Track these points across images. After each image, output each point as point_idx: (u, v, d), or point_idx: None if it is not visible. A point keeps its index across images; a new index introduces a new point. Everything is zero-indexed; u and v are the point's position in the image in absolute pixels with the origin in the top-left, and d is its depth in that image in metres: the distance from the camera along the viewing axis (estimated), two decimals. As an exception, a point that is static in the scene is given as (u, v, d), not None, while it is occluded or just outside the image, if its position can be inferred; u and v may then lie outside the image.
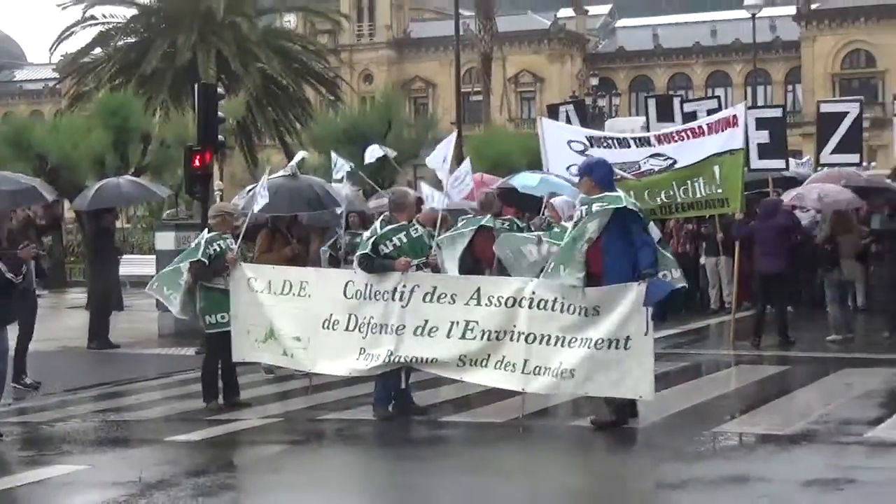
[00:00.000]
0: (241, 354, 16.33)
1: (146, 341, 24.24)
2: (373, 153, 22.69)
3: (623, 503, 11.50)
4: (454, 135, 19.67)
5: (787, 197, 23.76)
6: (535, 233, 16.00)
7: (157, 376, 19.30)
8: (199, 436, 14.70)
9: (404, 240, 15.12)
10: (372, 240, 15.10)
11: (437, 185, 17.76)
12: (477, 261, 18.71)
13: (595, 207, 13.98)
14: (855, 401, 16.19)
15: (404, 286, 14.88)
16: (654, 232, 17.01)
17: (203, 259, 16.10)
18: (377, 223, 15.45)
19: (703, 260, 27.85)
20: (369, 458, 14.04)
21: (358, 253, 15.28)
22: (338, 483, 12.62)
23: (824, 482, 11.42)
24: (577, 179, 19.62)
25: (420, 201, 17.65)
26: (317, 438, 14.78)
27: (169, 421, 15.83)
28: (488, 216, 19.13)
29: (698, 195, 20.67)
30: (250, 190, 22.31)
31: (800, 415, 15.32)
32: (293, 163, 21.30)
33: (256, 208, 17.58)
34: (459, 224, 19.39)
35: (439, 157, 17.21)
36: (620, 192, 14.69)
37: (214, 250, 16.17)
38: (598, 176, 14.55)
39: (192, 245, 16.81)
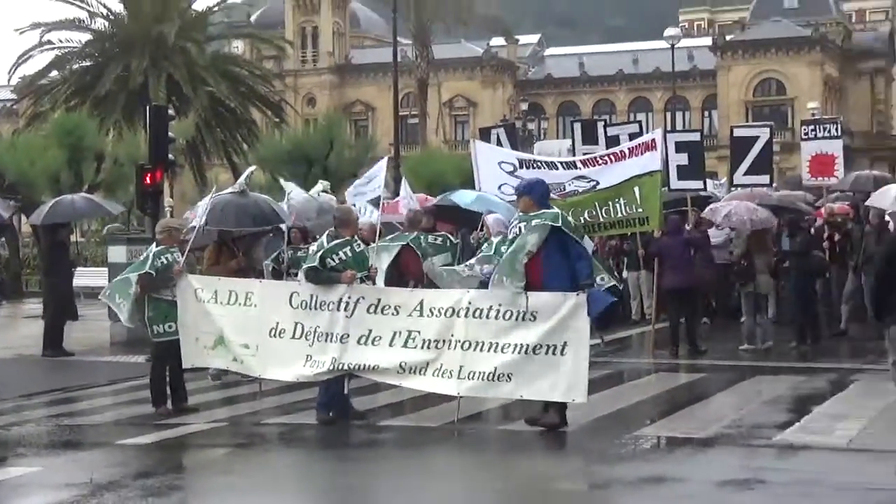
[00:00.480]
0: (191, 360, 16.39)
1: (99, 349, 24.09)
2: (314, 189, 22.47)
3: (554, 500, 11.49)
4: (386, 158, 19.88)
5: (705, 212, 23.94)
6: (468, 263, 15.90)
7: (109, 382, 19.20)
8: (148, 439, 14.63)
9: (349, 254, 15.16)
10: (319, 253, 15.12)
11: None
12: (402, 274, 18.72)
13: (534, 223, 14.09)
14: (765, 406, 16.33)
15: (349, 297, 14.97)
16: (588, 244, 17.24)
17: (150, 271, 16.11)
18: (324, 238, 15.46)
19: (625, 274, 27.94)
20: (311, 460, 14.03)
21: (305, 265, 15.32)
22: (282, 484, 12.58)
23: (737, 482, 11.49)
24: (507, 198, 19.85)
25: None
26: (261, 442, 14.75)
27: (119, 425, 15.76)
28: (414, 234, 19.11)
29: (619, 214, 20.87)
30: (199, 206, 22.38)
31: (714, 419, 15.37)
32: (242, 179, 21.21)
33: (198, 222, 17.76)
34: (387, 239, 19.38)
35: (374, 181, 17.42)
36: (557, 210, 14.86)
37: (162, 263, 16.20)
38: (536, 195, 14.69)
39: (141, 258, 16.85)
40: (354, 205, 18.63)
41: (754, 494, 11.16)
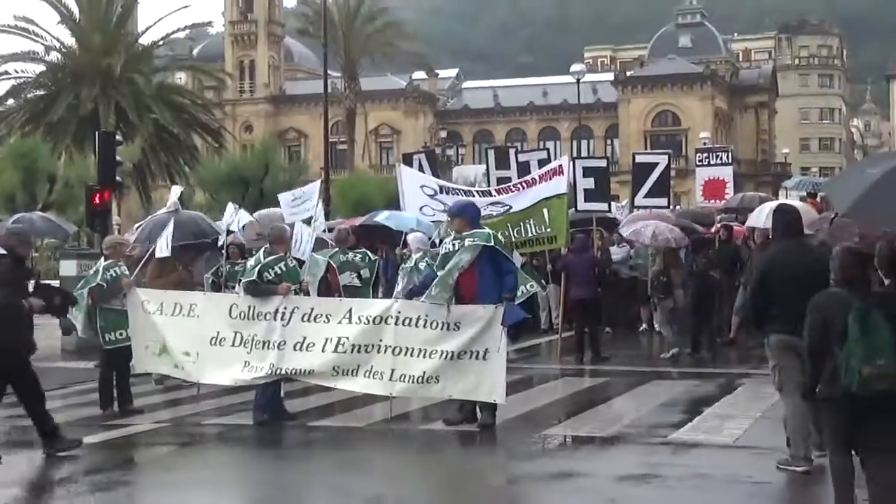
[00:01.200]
0: (142, 366, 16.64)
1: (51, 356, 23.65)
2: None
3: (468, 496, 11.55)
4: (318, 182, 19.96)
5: (626, 232, 23.99)
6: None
7: (60, 387, 18.94)
8: (96, 439, 14.48)
9: (283, 269, 15.29)
10: (257, 268, 15.19)
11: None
12: (329, 287, 18.74)
13: (467, 242, 14.27)
14: (661, 408, 16.40)
15: (285, 308, 15.07)
16: (517, 259, 17.57)
17: (101, 283, 16.13)
18: (260, 253, 15.52)
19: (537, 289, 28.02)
20: (247, 458, 13.97)
21: (245, 279, 15.32)
22: (220, 481, 12.58)
23: (635, 477, 11.58)
24: (428, 218, 19.96)
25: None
26: (201, 441, 14.66)
27: (69, 425, 15.51)
28: (335, 250, 19.09)
29: (530, 234, 20.99)
30: (139, 225, 22.37)
31: (615, 419, 15.45)
32: (174, 199, 21.24)
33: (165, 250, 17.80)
34: (317, 256, 19.39)
35: (306, 202, 17.52)
36: (489, 230, 15.11)
37: (110, 276, 16.25)
38: (468, 216, 14.89)
39: (91, 272, 16.90)
40: (292, 224, 18.62)
41: (651, 487, 11.24)
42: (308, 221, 20.54)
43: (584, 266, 22.52)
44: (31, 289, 13.59)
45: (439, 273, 14.45)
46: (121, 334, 16.17)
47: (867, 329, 8.76)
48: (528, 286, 19.04)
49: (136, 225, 23.29)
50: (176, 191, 22.42)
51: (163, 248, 17.82)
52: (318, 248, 20.55)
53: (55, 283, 19.68)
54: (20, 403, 13.52)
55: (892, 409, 8.85)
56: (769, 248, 13.82)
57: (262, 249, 15.67)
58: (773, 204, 29.34)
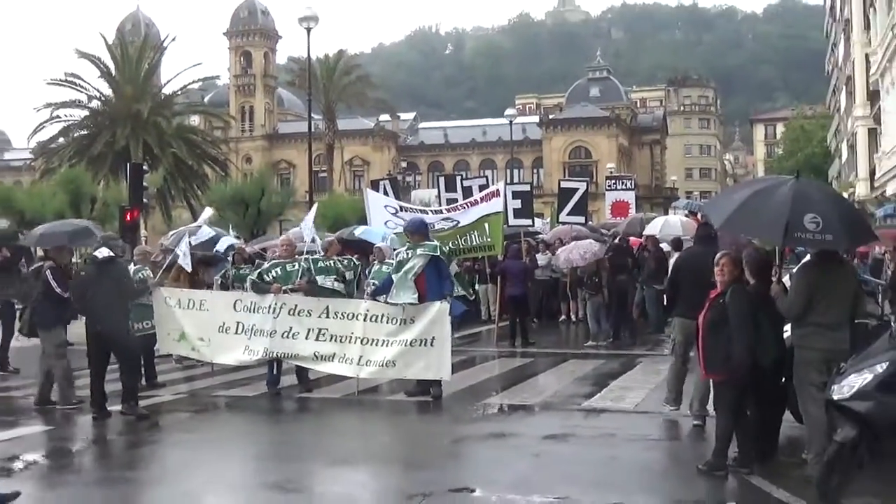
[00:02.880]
0: (165, 349, 16.69)
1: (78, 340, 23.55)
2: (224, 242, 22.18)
3: (423, 452, 11.51)
4: (315, 206, 20.08)
5: (560, 261, 23.91)
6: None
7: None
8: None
9: (280, 272, 15.55)
10: (258, 270, 15.86)
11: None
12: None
13: (419, 251, 14.67)
14: (576, 381, 16.40)
15: (276, 304, 15.23)
16: (453, 268, 17.85)
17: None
18: (269, 259, 16.17)
19: (478, 286, 28.05)
20: (249, 422, 13.87)
21: (250, 278, 15.75)
22: (227, 439, 12.52)
23: (556, 436, 11.61)
24: (391, 231, 20.02)
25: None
26: (212, 409, 14.59)
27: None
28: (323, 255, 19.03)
29: (474, 243, 21.07)
30: (172, 233, 22.37)
31: (541, 391, 15.51)
32: (205, 217, 21.40)
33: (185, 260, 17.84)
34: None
35: (308, 222, 17.64)
36: (436, 243, 15.50)
37: (138, 277, 16.33)
38: (423, 231, 15.39)
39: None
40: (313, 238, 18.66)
41: (568, 444, 11.30)
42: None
43: (517, 269, 22.70)
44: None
45: (395, 276, 14.71)
46: (147, 324, 16.20)
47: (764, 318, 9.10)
48: (456, 289, 19.13)
49: (171, 233, 23.26)
50: (208, 212, 22.42)
51: (185, 260, 17.77)
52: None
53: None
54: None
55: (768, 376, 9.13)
56: (681, 254, 13.95)
57: (270, 255, 16.06)
58: (664, 218, 29.62)
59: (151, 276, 16.71)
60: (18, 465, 10.63)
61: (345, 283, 16.21)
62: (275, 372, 15.79)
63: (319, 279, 15.90)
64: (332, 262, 16.71)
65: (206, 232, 20.21)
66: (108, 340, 13.62)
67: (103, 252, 13.87)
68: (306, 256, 16.05)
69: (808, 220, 8.87)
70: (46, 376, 14.70)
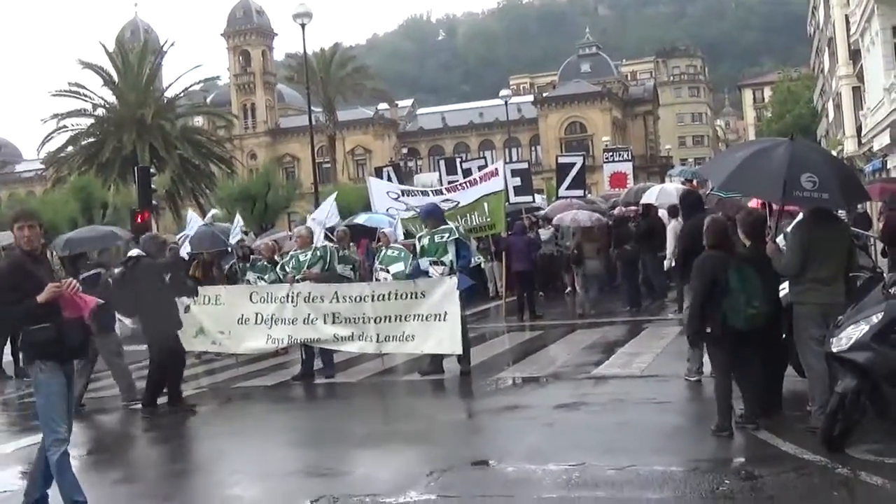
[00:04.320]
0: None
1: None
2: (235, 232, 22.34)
3: (440, 427, 11.57)
4: (333, 195, 20.22)
5: (567, 218, 23.95)
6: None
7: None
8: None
9: (293, 262, 15.95)
10: (282, 261, 16.45)
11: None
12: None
13: (437, 238, 14.79)
14: (584, 350, 16.45)
15: (292, 293, 15.57)
16: (472, 243, 18.24)
17: None
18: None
19: (483, 264, 28.08)
20: (268, 412, 13.91)
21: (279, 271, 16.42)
22: (248, 429, 12.56)
23: (567, 405, 11.66)
24: (395, 215, 20.07)
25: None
26: (232, 400, 14.64)
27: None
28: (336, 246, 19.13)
29: (474, 223, 21.12)
30: (183, 234, 22.57)
31: (550, 362, 15.50)
32: (210, 216, 21.57)
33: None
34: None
35: (323, 211, 17.87)
36: (452, 224, 15.70)
37: None
38: (437, 215, 15.46)
39: None
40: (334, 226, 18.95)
41: (579, 412, 11.34)
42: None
43: (522, 245, 22.69)
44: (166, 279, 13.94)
45: (421, 262, 14.79)
46: None
47: (745, 280, 8.94)
48: (477, 257, 19.60)
49: (183, 233, 23.53)
50: (214, 212, 22.74)
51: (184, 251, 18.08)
52: None
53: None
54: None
55: (760, 338, 9.06)
56: (688, 223, 13.65)
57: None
58: (659, 186, 29.62)
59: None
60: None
61: (353, 272, 16.59)
62: (304, 357, 15.88)
63: (339, 268, 16.19)
64: (347, 251, 16.94)
65: (195, 222, 20.35)
66: (146, 336, 13.94)
67: (131, 252, 14.09)
68: (324, 245, 16.27)
69: (805, 179, 8.94)
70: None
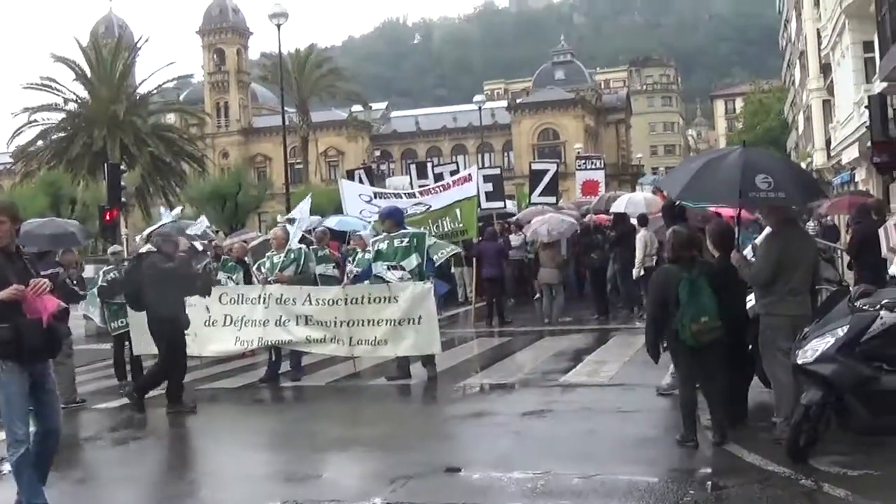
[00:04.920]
0: (140, 349, 16.22)
1: (77, 339, 23.41)
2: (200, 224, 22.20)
3: (407, 433, 11.53)
4: (309, 196, 20.22)
5: (528, 231, 23.94)
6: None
7: (86, 364, 18.77)
8: (115, 403, 14.47)
9: (268, 264, 15.87)
10: (257, 263, 16.40)
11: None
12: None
13: (396, 242, 14.68)
14: (552, 358, 16.45)
15: (264, 293, 15.46)
16: (449, 247, 18.35)
17: (104, 283, 16.37)
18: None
19: (454, 269, 28.06)
20: (236, 413, 13.85)
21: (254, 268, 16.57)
22: (215, 432, 12.53)
23: (534, 412, 11.64)
24: (365, 220, 20.02)
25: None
26: (198, 402, 14.53)
27: (96, 394, 15.49)
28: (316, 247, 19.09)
29: (446, 229, 21.11)
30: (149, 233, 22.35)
31: (518, 369, 15.53)
32: (174, 214, 21.34)
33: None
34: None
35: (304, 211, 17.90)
36: (412, 229, 15.58)
37: (110, 277, 16.40)
38: (396, 217, 15.27)
39: (97, 276, 17.05)
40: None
41: (546, 419, 11.33)
42: (290, 221, 20.38)
43: (493, 251, 22.69)
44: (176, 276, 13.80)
45: (374, 265, 14.79)
46: (122, 322, 16.09)
47: (694, 295, 8.97)
48: (447, 249, 19.48)
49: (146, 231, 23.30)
50: (177, 210, 22.56)
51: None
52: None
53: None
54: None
55: (716, 351, 9.07)
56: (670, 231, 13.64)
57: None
58: (629, 195, 29.74)
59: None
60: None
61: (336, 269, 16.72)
62: (272, 359, 15.75)
63: (321, 268, 16.17)
64: (327, 251, 16.94)
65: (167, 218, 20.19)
66: (153, 333, 13.72)
67: (142, 248, 14.05)
68: (299, 247, 16.20)
69: (760, 179, 9.06)
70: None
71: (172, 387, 13.58)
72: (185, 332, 13.96)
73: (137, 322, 16.02)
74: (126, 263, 17.28)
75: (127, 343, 16.20)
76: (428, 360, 14.64)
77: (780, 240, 9.39)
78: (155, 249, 13.91)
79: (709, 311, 8.96)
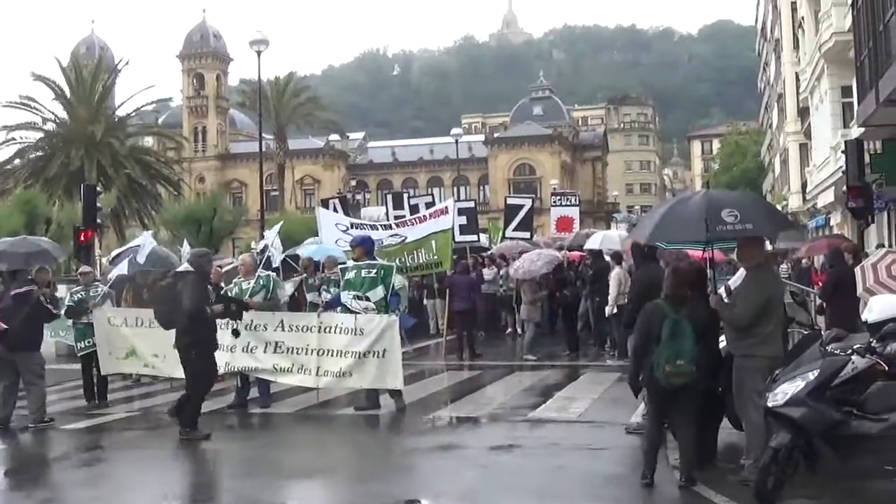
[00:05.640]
0: (107, 369, 16.41)
1: (48, 359, 23.20)
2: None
3: (373, 464, 11.47)
4: (279, 225, 20.18)
5: (511, 269, 23.90)
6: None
7: (56, 383, 18.60)
8: (83, 424, 14.41)
9: (236, 290, 15.51)
10: (226, 289, 15.69)
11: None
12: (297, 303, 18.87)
13: (373, 272, 14.73)
14: (522, 392, 16.43)
15: (234, 320, 15.04)
16: (401, 280, 17.89)
17: (70, 304, 16.55)
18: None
19: (426, 301, 28.07)
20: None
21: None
22: (179, 456, 12.38)
23: (502, 447, 11.60)
24: (342, 248, 19.98)
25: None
26: (164, 426, 14.35)
27: (64, 414, 15.35)
28: (304, 275, 19.05)
29: (421, 260, 21.13)
30: (117, 255, 22.21)
31: (488, 403, 15.51)
32: (144, 239, 21.26)
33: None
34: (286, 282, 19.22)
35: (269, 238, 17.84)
36: (381, 261, 15.56)
37: (77, 298, 16.57)
38: (366, 247, 15.33)
39: (68, 296, 17.12)
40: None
41: (514, 454, 11.28)
42: (263, 250, 20.27)
43: (465, 284, 22.69)
44: (213, 298, 13.60)
45: (342, 294, 14.82)
46: (89, 342, 16.12)
47: (675, 336, 8.95)
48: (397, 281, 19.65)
49: (113, 253, 23.07)
50: (146, 234, 22.47)
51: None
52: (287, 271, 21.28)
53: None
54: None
55: (690, 394, 9.05)
56: (640, 271, 13.55)
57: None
58: (603, 232, 29.85)
59: (92, 296, 16.67)
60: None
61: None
62: (239, 385, 15.61)
63: (309, 296, 16.09)
64: (313, 279, 16.96)
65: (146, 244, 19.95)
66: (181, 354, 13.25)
67: (180, 267, 13.88)
68: (267, 273, 16.08)
69: (726, 213, 9.26)
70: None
71: (191, 409, 13.12)
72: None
73: (104, 341, 16.04)
74: (100, 286, 17.27)
75: (94, 363, 16.16)
76: (395, 392, 14.58)
77: (760, 281, 9.40)
78: (192, 269, 13.76)
79: (685, 355, 8.95)
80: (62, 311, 16.31)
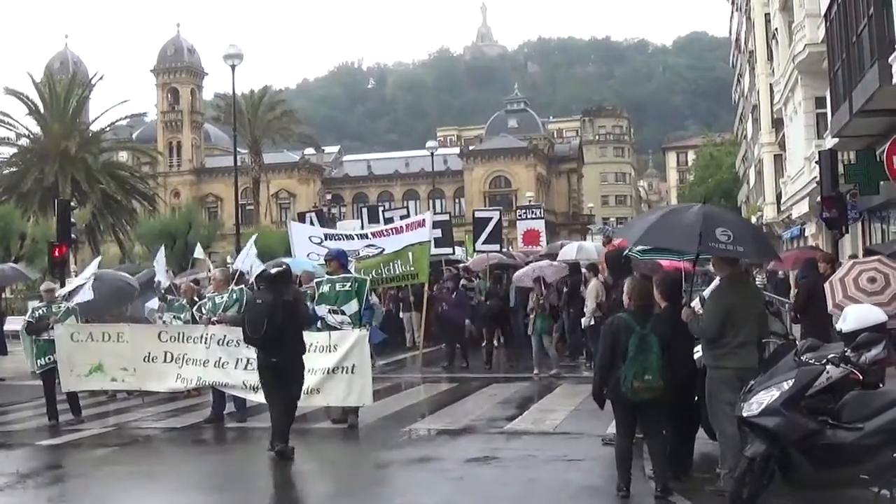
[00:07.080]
0: (68, 386, 16.21)
1: (22, 376, 23.06)
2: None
3: (348, 478, 11.43)
4: (254, 238, 20.11)
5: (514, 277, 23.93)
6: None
7: (30, 400, 18.49)
8: (57, 441, 14.31)
9: (209, 304, 15.62)
10: (199, 303, 16.07)
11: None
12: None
13: (347, 285, 14.63)
14: (499, 405, 16.45)
15: (206, 334, 15.27)
16: (374, 298, 17.78)
17: (30, 320, 16.38)
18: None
19: (402, 314, 28.04)
20: (174, 454, 13.67)
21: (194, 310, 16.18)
22: (153, 472, 12.29)
23: (478, 459, 11.61)
24: (314, 261, 19.94)
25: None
26: (138, 442, 14.30)
27: (38, 430, 15.25)
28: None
29: (397, 272, 21.14)
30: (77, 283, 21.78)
31: (464, 415, 15.45)
32: (92, 270, 20.65)
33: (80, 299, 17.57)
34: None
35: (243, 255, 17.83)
36: (354, 275, 15.52)
37: (38, 314, 16.32)
38: (341, 260, 15.32)
39: (29, 312, 17.13)
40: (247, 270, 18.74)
41: (490, 467, 11.28)
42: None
43: (458, 297, 22.80)
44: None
45: (317, 308, 14.53)
46: (49, 359, 16.02)
47: (642, 350, 8.97)
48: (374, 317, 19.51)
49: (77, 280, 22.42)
50: (95, 263, 22.21)
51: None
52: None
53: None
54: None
55: (657, 408, 9.12)
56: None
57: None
58: (578, 243, 29.90)
59: (54, 312, 16.34)
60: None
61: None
62: (214, 401, 15.59)
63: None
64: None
65: (87, 293, 19.07)
66: (284, 372, 12.45)
67: (272, 270, 13.06)
68: (241, 287, 16.00)
69: (720, 232, 9.15)
70: None
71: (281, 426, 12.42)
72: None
73: (65, 358, 15.93)
74: (63, 303, 17.12)
75: (57, 380, 16.05)
76: (352, 409, 14.47)
77: (728, 293, 9.42)
78: (280, 280, 13.01)
79: (653, 370, 8.96)
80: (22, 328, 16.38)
